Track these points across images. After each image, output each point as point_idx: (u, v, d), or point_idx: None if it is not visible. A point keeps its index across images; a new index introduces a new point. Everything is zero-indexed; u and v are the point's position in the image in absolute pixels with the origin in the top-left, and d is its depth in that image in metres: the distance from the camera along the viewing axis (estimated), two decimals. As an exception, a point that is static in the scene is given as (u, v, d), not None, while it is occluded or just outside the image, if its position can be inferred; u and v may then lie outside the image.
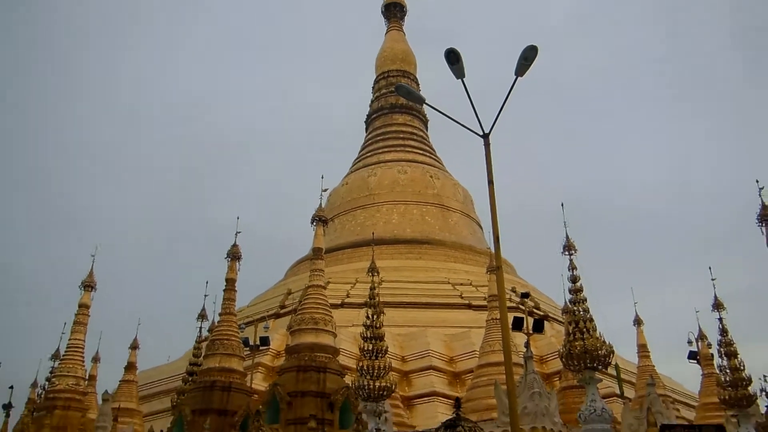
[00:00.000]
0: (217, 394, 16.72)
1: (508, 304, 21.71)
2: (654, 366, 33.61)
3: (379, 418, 19.42)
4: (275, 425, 14.35)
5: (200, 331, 25.05)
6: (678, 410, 32.71)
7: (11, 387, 31.81)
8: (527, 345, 27.08)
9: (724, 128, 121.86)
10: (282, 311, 45.47)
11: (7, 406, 28.70)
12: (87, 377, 22.78)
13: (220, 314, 18.79)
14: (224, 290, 18.78)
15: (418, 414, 34.30)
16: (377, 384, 20.43)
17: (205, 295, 25.88)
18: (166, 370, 43.59)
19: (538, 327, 28.60)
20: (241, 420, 15.85)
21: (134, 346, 38.11)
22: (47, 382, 24.14)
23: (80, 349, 21.44)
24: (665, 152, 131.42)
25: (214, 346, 18.05)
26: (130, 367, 38.08)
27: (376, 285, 23.45)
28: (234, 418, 16.13)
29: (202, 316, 25.31)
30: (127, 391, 36.58)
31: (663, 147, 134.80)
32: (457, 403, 13.69)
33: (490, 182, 12.64)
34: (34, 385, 32.99)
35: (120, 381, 37.33)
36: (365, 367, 21.01)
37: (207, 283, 26.24)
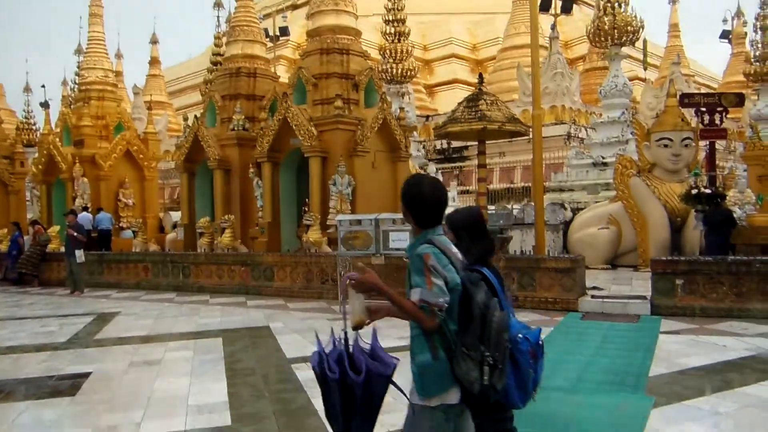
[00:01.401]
0: (244, 80, 16.94)
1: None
2: (682, 46, 32.93)
3: (403, 98, 20.01)
4: (303, 105, 14.78)
5: (218, 21, 24.51)
6: (699, 89, 32.92)
7: (43, 86, 32.87)
8: (553, 27, 26.33)
9: None
10: (299, 2, 43.80)
11: (45, 104, 29.83)
12: (114, 72, 23.06)
13: (237, 0, 18.03)
14: (238, -25, 17.69)
15: (440, 100, 35.22)
16: (400, 66, 20.57)
17: (219, -18, 24.70)
18: (190, 65, 44.12)
19: (567, 7, 27.34)
20: (269, 103, 16.33)
21: (154, 41, 38.05)
22: (77, 77, 24.64)
23: (102, 42, 21.17)
24: None
25: (234, 33, 17.70)
26: (154, 61, 38.55)
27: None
28: (262, 102, 16.63)
29: (218, 4, 24.49)
30: (155, 85, 37.67)
31: None
32: (480, 78, 13.74)
33: None
34: (64, 82, 33.92)
35: (147, 76, 38.18)
36: (388, 51, 20.94)
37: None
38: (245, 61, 17.17)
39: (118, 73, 32.63)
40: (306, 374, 6.08)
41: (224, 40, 20.03)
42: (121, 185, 20.06)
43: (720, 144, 19.88)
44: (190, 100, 39.54)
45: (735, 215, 12.45)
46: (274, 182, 15.11)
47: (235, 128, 16.08)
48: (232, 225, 15.07)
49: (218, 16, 24.05)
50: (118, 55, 35.68)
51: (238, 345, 7.65)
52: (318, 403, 5.17)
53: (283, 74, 32.68)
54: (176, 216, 19.74)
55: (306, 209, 14.23)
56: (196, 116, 17.16)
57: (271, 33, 28.87)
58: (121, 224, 19.66)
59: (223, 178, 16.15)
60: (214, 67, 22.07)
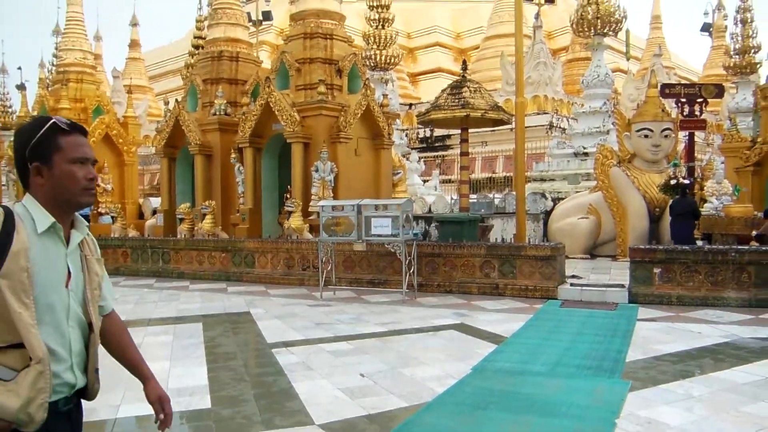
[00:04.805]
0: (226, 64, 16.76)
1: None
2: (664, 38, 33.20)
3: (386, 86, 19.92)
4: (285, 90, 14.67)
5: (200, 3, 24.17)
6: (680, 81, 33.24)
7: (19, 68, 32.21)
8: (537, 16, 26.38)
9: None
10: (282, -14, 43.29)
11: (21, 86, 29.21)
12: (93, 54, 22.64)
13: (218, -15, 17.76)
14: (220, -41, 17.42)
15: (423, 89, 35.18)
16: (384, 53, 20.47)
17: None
18: (171, 48, 43.52)
19: (551, -3, 27.43)
20: (251, 88, 16.19)
21: (134, 23, 37.45)
22: (54, 59, 24.21)
23: (81, 22, 20.73)
24: None
25: (217, 16, 17.51)
26: (134, 44, 37.95)
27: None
28: (245, 87, 16.48)
29: (199, -12, 24.12)
30: (135, 68, 37.13)
31: None
32: (464, 65, 13.74)
33: None
34: (41, 64, 33.23)
35: (126, 59, 37.59)
36: (372, 37, 20.81)
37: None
38: (227, 44, 16.99)
39: (97, 56, 32.06)
40: (287, 359, 6.08)
41: (206, 23, 19.78)
42: (100, 170, 19.74)
43: (699, 136, 20.09)
44: (171, 85, 39.02)
45: (711, 205, 12.63)
46: (255, 168, 15.00)
47: (217, 113, 15.91)
48: (212, 211, 14.95)
49: (200, -1, 23.73)
50: (97, 38, 35.04)
51: (219, 330, 7.62)
52: (299, 387, 5.18)
53: (266, 60, 32.44)
54: (156, 202, 19.50)
55: (288, 195, 14.16)
56: (176, 100, 16.94)
57: (254, 17, 28.52)
58: (99, 209, 19.38)
59: (204, 164, 15.99)
60: (196, 51, 21.77)
